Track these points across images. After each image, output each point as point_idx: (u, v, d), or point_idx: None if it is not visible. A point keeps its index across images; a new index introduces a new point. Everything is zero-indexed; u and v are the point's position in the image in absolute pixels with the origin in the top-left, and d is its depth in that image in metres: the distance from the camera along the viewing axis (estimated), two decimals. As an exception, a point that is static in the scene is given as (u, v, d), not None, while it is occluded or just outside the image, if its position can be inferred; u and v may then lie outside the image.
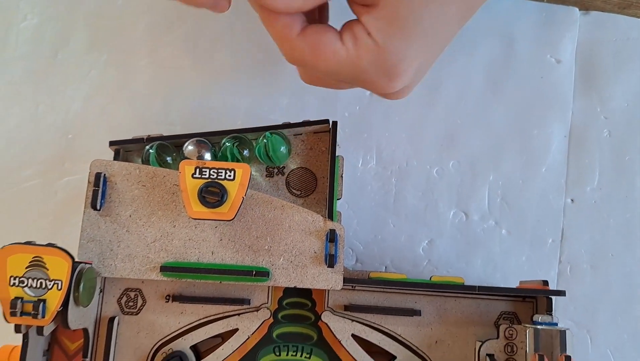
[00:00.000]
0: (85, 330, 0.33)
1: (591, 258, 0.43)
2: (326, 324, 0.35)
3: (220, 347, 0.34)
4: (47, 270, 0.29)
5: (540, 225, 0.43)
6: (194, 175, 0.32)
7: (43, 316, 0.29)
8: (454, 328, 0.35)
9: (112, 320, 0.34)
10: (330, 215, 0.35)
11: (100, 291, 0.34)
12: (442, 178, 0.43)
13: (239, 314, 0.35)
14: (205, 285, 0.35)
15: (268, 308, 0.35)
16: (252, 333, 0.35)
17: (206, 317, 0.35)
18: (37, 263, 0.29)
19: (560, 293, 0.34)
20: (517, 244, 0.43)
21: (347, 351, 0.35)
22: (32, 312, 0.29)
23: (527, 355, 0.33)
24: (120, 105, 0.43)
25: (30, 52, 0.44)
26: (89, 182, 0.34)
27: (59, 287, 0.29)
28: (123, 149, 0.37)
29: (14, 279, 0.29)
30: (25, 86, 0.44)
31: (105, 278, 0.34)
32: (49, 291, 0.29)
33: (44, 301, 0.29)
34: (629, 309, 0.43)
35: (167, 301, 0.35)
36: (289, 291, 0.36)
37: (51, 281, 0.29)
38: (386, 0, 0.28)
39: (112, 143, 0.37)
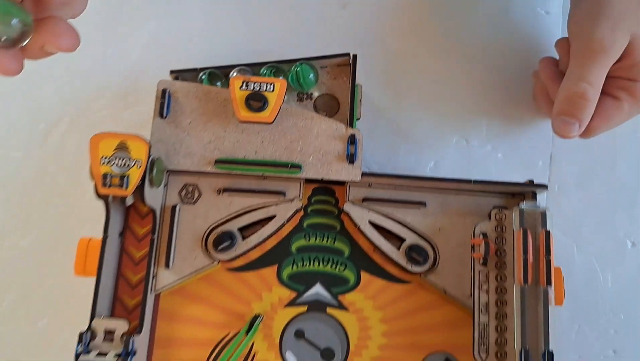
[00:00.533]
0: (153, 212, 0.41)
1: (576, 178, 0.50)
2: (347, 214, 0.42)
3: (261, 230, 0.42)
4: (130, 152, 0.37)
5: (531, 150, 0.50)
6: (241, 87, 0.40)
7: (126, 188, 0.37)
8: (454, 218, 0.42)
9: (174, 207, 0.42)
10: (351, 125, 0.43)
11: (165, 185, 0.42)
12: (448, 109, 0.51)
13: (276, 204, 0.42)
14: (249, 181, 0.43)
15: (300, 201, 0.43)
16: (287, 220, 0.42)
17: (249, 206, 0.42)
18: (122, 147, 0.37)
19: (543, 186, 0.41)
20: (510, 166, 0.50)
21: (365, 236, 0.42)
22: (118, 184, 0.37)
23: (514, 232, 0.40)
24: (175, 50, 0.52)
25: (99, 6, 0.53)
26: (156, 97, 0.42)
27: (139, 165, 0.37)
28: (180, 77, 0.45)
29: (104, 159, 0.37)
30: (96, 35, 0.52)
31: (169, 174, 0.43)
32: (131, 168, 0.37)
33: (127, 176, 0.37)
34: (610, 222, 0.49)
35: (219, 194, 0.43)
36: (316, 191, 0.44)
37: (133, 160, 0.37)
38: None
39: (172, 72, 0.45)
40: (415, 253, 0.41)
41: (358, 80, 0.45)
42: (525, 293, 0.38)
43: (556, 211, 0.49)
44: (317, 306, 0.42)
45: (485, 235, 0.40)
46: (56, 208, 0.49)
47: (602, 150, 0.50)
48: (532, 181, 0.42)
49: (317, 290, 0.42)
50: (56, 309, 0.47)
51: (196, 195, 0.43)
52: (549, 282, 0.38)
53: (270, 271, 0.43)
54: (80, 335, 0.37)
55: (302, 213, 0.43)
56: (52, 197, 0.49)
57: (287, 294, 0.42)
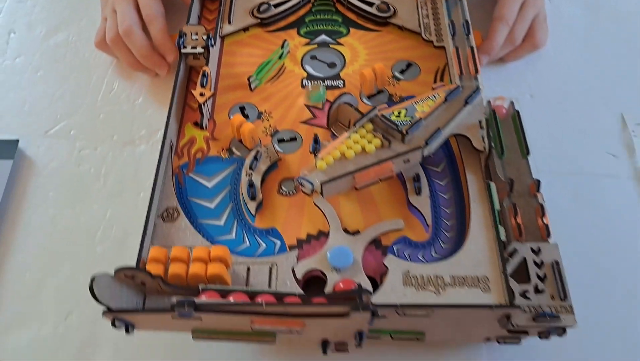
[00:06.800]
0: (222, -9, 0.67)
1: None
2: (339, -5, 0.69)
3: (287, 3, 0.68)
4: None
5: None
6: None
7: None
8: (404, -7, 0.69)
9: (233, -4, 0.69)
10: None
11: (227, -11, 0.70)
12: None
13: (295, -7, 0.69)
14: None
15: (309, -8, 0.70)
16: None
17: (279, -5, 0.69)
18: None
19: None
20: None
21: (350, 8, 0.68)
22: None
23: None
24: None
25: None
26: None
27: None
28: None
29: None
30: None
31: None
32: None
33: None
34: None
35: (259, -8, 0.70)
36: (319, -6, 0.71)
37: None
38: None
39: None
40: (382, 4, 0.67)
41: None
42: None
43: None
44: (323, 44, 0.66)
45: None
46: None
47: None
48: None
49: (323, 37, 0.67)
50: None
51: (247, -13, 0.70)
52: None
53: (292, 31, 0.68)
54: (180, 31, 0.61)
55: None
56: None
57: (304, 40, 0.67)
